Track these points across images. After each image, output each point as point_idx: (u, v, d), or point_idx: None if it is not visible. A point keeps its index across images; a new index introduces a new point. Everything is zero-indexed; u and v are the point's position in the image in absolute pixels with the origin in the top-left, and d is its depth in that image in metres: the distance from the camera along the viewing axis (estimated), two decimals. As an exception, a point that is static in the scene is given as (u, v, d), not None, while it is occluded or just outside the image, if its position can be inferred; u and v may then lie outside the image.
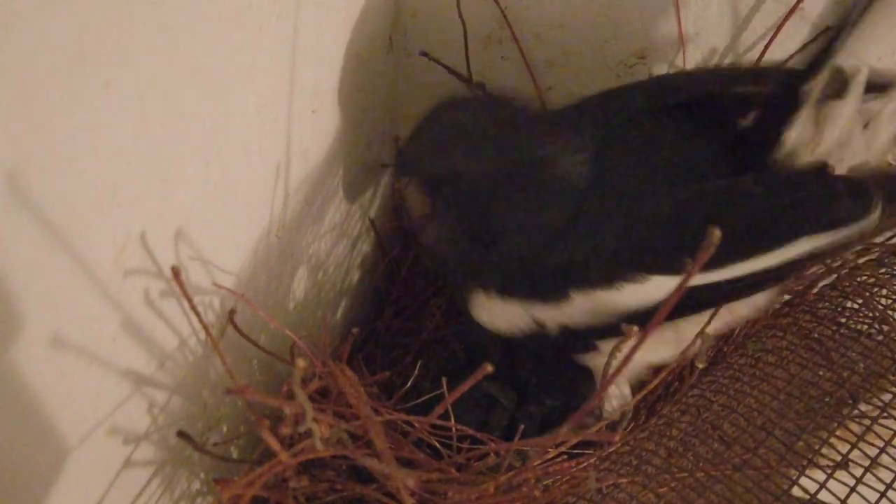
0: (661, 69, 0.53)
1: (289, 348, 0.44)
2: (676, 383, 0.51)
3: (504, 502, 0.35)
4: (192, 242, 0.35)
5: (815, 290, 0.46)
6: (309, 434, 0.28)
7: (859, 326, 0.42)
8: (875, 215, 0.37)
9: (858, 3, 0.35)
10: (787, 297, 0.48)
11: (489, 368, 0.26)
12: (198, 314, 0.34)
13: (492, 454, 0.40)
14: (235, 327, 0.39)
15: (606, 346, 0.43)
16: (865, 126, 0.40)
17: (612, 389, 0.47)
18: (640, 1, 0.51)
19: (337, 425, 0.31)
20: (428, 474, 0.37)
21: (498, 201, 0.42)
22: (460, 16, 0.52)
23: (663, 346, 0.43)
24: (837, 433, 0.38)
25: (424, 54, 0.56)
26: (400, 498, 0.34)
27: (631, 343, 0.28)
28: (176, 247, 0.34)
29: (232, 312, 0.39)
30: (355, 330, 0.42)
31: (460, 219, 0.44)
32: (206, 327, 0.35)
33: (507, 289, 0.42)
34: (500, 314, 0.43)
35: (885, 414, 0.37)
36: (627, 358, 0.27)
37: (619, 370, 0.28)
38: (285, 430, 0.27)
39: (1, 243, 0.24)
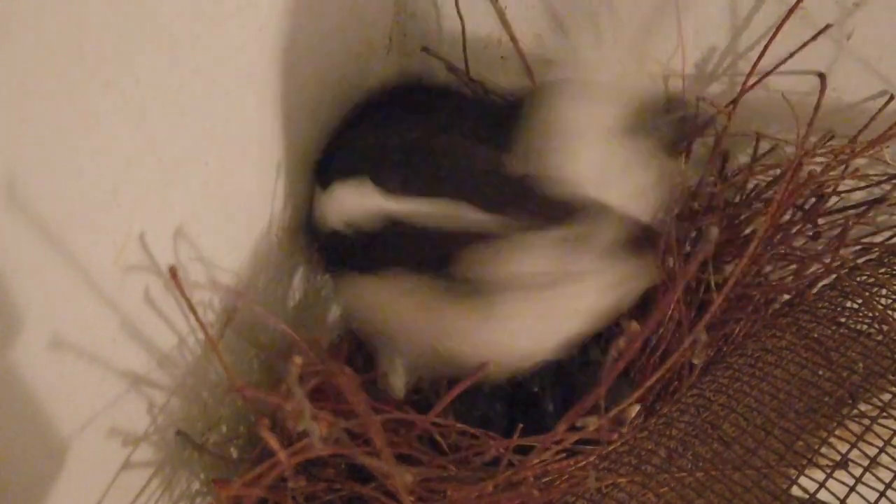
0: (660, 69, 0.53)
1: (288, 348, 0.45)
2: (676, 383, 0.51)
3: (503, 501, 0.35)
4: (192, 242, 0.35)
5: (814, 290, 0.46)
6: (308, 434, 0.28)
7: (859, 326, 0.42)
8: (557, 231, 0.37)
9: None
10: (786, 296, 0.48)
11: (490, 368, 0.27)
12: (196, 314, 0.34)
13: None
14: (235, 327, 0.39)
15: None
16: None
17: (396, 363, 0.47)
18: (639, 1, 0.51)
19: (336, 423, 0.31)
20: (427, 472, 0.37)
21: None
22: (459, 14, 0.53)
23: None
24: (837, 433, 0.38)
25: (426, 50, 0.56)
26: (399, 497, 0.34)
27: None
28: (175, 246, 0.34)
29: (232, 312, 0.39)
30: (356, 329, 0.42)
31: None
32: (204, 327, 0.35)
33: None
34: (350, 204, 0.43)
35: (884, 414, 0.37)
36: (624, 356, 0.27)
37: (618, 367, 0.28)
38: (285, 425, 0.27)
39: (1, 243, 0.24)
